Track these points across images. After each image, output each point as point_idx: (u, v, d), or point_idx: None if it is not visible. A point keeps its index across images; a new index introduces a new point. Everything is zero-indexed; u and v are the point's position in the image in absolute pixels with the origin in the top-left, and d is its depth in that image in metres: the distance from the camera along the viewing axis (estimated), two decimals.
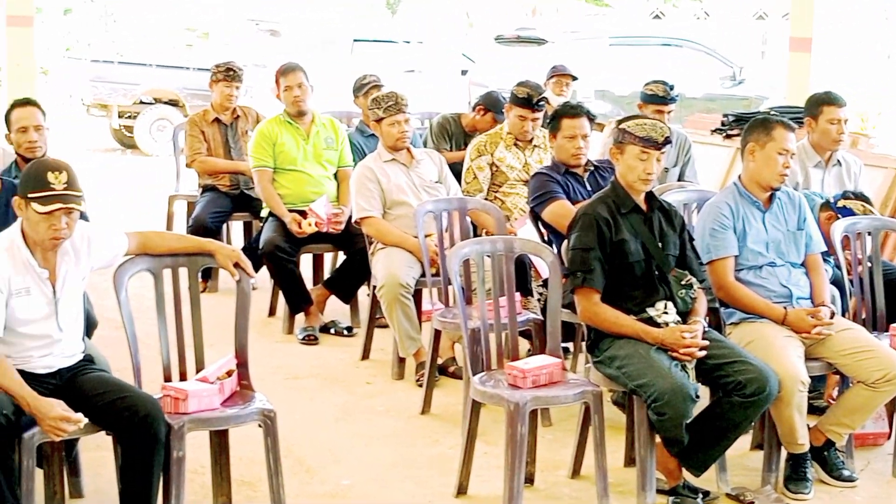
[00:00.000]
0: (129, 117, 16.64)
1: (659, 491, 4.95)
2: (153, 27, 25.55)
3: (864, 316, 5.76)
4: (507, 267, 5.32)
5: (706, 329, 4.98)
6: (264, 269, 7.54)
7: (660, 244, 5.05)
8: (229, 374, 4.73)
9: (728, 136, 9.44)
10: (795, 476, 5.16)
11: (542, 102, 7.40)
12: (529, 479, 5.19)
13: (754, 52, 26.23)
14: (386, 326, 6.90)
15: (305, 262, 7.93)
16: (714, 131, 9.70)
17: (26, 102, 6.11)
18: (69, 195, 4.25)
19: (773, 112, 7.80)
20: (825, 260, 5.61)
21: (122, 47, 17.58)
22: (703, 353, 4.83)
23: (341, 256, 8.03)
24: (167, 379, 4.70)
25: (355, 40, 17.02)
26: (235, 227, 9.25)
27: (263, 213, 7.89)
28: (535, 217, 6.34)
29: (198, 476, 5.09)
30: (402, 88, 7.25)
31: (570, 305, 5.34)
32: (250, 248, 7.71)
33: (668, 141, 5.03)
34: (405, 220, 6.80)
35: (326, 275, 8.15)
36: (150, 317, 4.81)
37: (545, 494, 5.22)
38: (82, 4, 28.21)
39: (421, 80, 16.07)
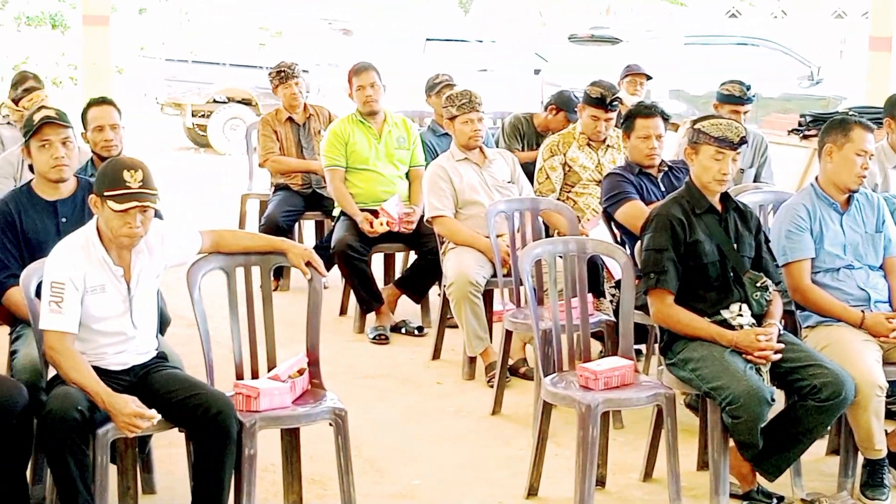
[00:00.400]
0: (203, 116, 16.80)
1: (732, 495, 4.92)
2: (226, 26, 25.78)
3: None
4: (580, 268, 5.31)
5: (781, 332, 4.94)
6: (335, 269, 7.58)
7: (735, 245, 5.02)
8: (301, 372, 4.77)
9: (805, 137, 9.35)
10: (872, 482, 5.09)
11: (615, 102, 7.38)
12: (601, 482, 5.18)
13: (832, 51, 25.90)
14: (457, 327, 6.91)
15: (377, 262, 7.97)
16: (791, 132, 9.61)
17: (102, 101, 6.19)
18: (144, 193, 4.30)
19: (851, 112, 7.70)
20: None
21: (195, 46, 17.75)
22: (779, 356, 4.79)
23: (412, 256, 8.06)
24: (239, 377, 4.75)
25: (427, 39, 17.05)
26: (307, 226, 9.32)
27: (335, 213, 7.94)
28: (608, 218, 6.32)
29: (269, 474, 5.13)
30: (474, 88, 7.25)
31: (642, 307, 5.32)
32: (322, 248, 7.76)
33: (743, 141, 4.99)
34: (477, 219, 6.80)
35: (398, 274, 8.18)
36: (222, 315, 4.86)
37: (616, 497, 5.21)
38: (157, 4, 28.55)
39: (493, 79, 16.06)
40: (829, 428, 5.13)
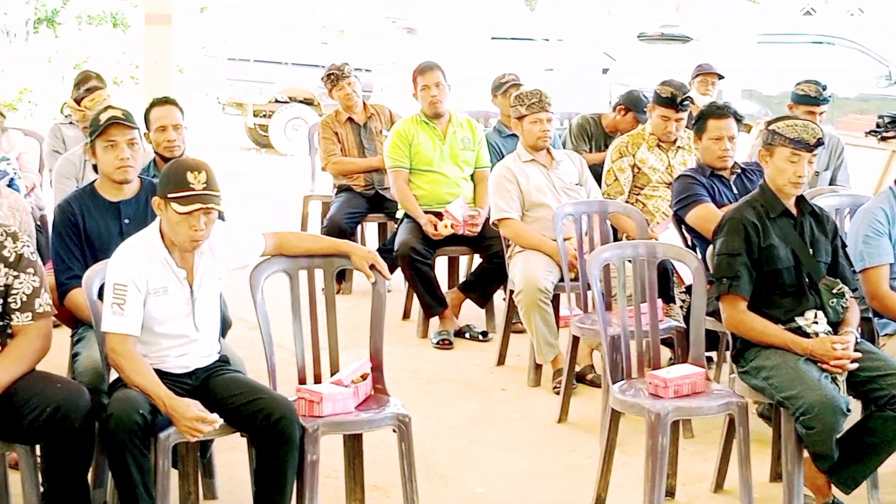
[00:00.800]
0: (264, 116, 16.91)
1: None
2: (288, 25, 25.93)
3: None
4: (650, 272, 5.29)
5: (858, 340, 4.89)
6: (399, 272, 7.60)
7: (810, 250, 4.98)
8: (364, 377, 4.79)
9: (883, 139, 9.24)
10: None
11: (686, 102, 7.34)
12: (670, 493, 5.16)
13: None
14: (522, 332, 6.91)
15: (441, 265, 7.99)
16: (868, 133, 9.51)
17: (165, 101, 6.26)
18: (208, 195, 4.33)
19: None
20: None
21: (257, 45, 17.86)
22: (855, 365, 4.74)
23: (477, 259, 8.06)
24: (301, 381, 4.78)
25: (493, 38, 17.02)
26: (370, 229, 9.35)
27: (398, 215, 7.96)
28: (679, 221, 6.29)
29: (331, 480, 5.16)
30: (542, 87, 7.24)
31: (714, 313, 5.29)
32: (385, 250, 7.79)
33: (819, 143, 4.95)
34: (544, 222, 6.80)
35: (462, 278, 8.19)
36: (284, 318, 4.89)
37: None
38: (218, 2, 28.78)
39: (560, 78, 16.01)
40: None
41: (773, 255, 4.91)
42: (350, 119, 8.81)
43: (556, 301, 6.75)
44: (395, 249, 7.55)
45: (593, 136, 8.71)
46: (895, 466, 5.37)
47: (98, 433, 4.27)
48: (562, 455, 5.77)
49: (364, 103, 8.93)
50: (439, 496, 5.24)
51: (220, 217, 4.61)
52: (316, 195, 9.48)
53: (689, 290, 5.56)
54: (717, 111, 6.33)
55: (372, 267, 4.84)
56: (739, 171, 6.37)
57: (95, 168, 5.21)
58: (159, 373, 4.37)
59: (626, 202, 7.17)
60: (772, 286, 4.93)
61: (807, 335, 4.83)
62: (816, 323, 4.86)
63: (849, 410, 4.66)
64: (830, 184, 7.72)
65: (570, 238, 6.59)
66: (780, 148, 4.96)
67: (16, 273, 4.31)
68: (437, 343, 7.47)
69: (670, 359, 6.13)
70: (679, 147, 7.40)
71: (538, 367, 6.74)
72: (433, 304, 7.57)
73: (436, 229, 7.51)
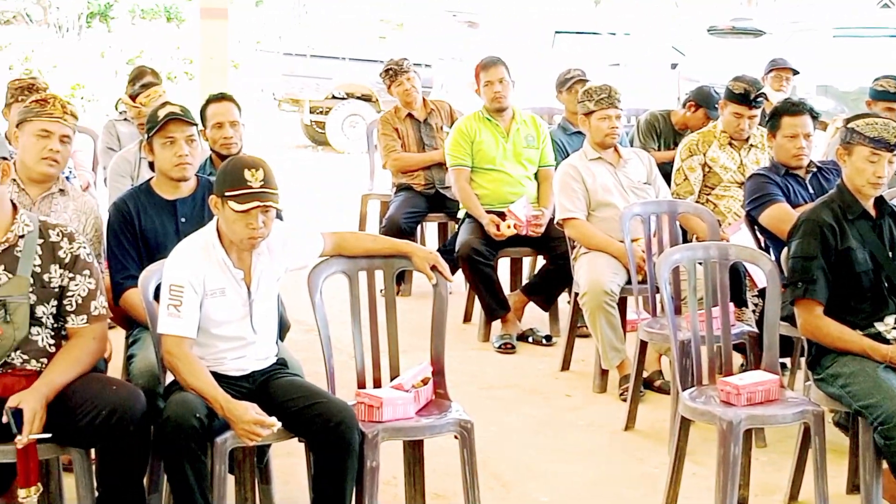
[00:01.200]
0: (321, 113, 16.97)
1: None
2: (345, 19, 26.04)
3: None
4: (721, 275, 5.26)
5: None
6: (459, 274, 7.61)
7: (890, 254, 4.93)
8: (425, 381, 4.80)
9: None
10: None
11: (760, 99, 7.29)
12: (742, 503, 5.14)
13: None
14: (587, 336, 6.89)
15: (503, 267, 7.98)
16: None
17: (222, 97, 6.31)
18: (266, 193, 4.35)
19: None
20: None
21: (313, 40, 17.94)
22: None
23: (541, 261, 8.05)
24: (361, 385, 4.80)
25: (557, 32, 16.98)
26: (430, 229, 9.37)
27: (460, 215, 7.97)
28: (752, 222, 6.26)
29: (390, 487, 5.17)
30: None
31: (788, 318, 5.26)
32: (445, 251, 7.76)
33: None
34: (610, 222, 6.78)
35: (525, 280, 8.19)
36: (342, 320, 4.92)
37: None
38: None
39: (627, 74, 15.96)
40: None
41: (850, 258, 4.87)
42: (410, 115, 8.84)
43: (622, 304, 6.73)
44: (456, 250, 7.55)
45: (662, 133, 8.68)
46: None
47: (154, 437, 4.30)
48: (629, 464, 5.75)
49: (424, 99, 8.96)
50: None
51: (278, 216, 4.64)
52: (375, 194, 9.51)
53: (762, 293, 5.53)
54: (793, 108, 6.29)
55: (433, 268, 4.85)
56: (815, 170, 6.33)
57: (151, 166, 5.26)
58: (216, 375, 4.40)
59: (697, 202, 7.13)
60: (849, 290, 4.88)
61: (886, 341, 4.80)
62: None
63: None
64: None
65: (637, 239, 6.57)
66: (859, 147, 4.91)
67: (71, 275, 4.36)
68: (500, 347, 7.47)
69: (742, 365, 6.09)
70: (752, 145, 7.35)
71: (604, 372, 6.72)
72: (495, 306, 7.57)
73: (498, 230, 7.50)
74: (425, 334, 4.95)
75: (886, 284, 4.89)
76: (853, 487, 5.22)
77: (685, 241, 6.75)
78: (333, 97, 16.85)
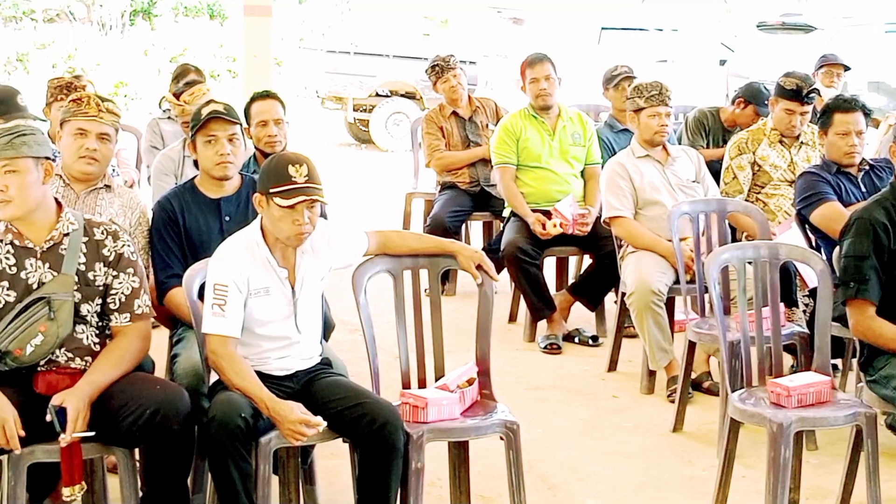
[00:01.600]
0: (365, 111, 17.01)
1: None
2: (389, 16, 26.08)
3: None
4: (772, 275, 5.23)
5: None
6: (505, 273, 7.60)
7: None
8: (470, 382, 4.79)
9: None
10: None
11: (812, 95, 7.25)
12: None
13: None
14: (635, 336, 6.87)
15: (549, 266, 7.98)
16: None
17: (266, 95, 6.33)
18: (311, 188, 4.36)
19: None
20: None
21: (357, 37, 17.98)
22: None
23: (587, 260, 8.04)
24: (406, 386, 4.81)
25: (603, 28, 16.97)
26: (475, 227, 9.38)
27: (505, 213, 7.97)
28: (803, 220, 6.22)
29: (435, 489, 5.18)
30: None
31: (839, 318, 5.22)
32: (490, 250, 7.77)
33: None
34: (658, 221, 6.76)
35: (571, 279, 8.17)
36: (386, 320, 4.92)
37: None
38: None
39: (674, 70, 15.90)
40: None
41: None
42: (455, 113, 8.84)
43: (670, 304, 6.71)
44: (502, 249, 7.55)
45: (711, 130, 8.63)
46: None
47: (198, 437, 4.33)
48: (677, 467, 5.73)
49: (469, 97, 8.96)
50: None
51: (323, 215, 4.65)
52: (419, 192, 9.52)
53: (812, 293, 5.49)
54: (844, 104, 6.25)
55: (479, 267, 4.85)
56: (867, 168, 6.29)
57: (195, 164, 5.29)
58: (260, 375, 4.41)
59: (746, 201, 7.10)
60: None
61: None
62: None
63: None
64: None
65: (686, 238, 6.54)
66: None
67: (115, 273, 4.39)
68: (545, 348, 7.46)
69: (793, 366, 6.06)
70: (802, 143, 7.31)
71: (651, 373, 6.70)
72: (541, 306, 7.56)
73: (544, 228, 7.49)
74: (470, 334, 4.96)
75: None
76: None
77: (734, 240, 6.72)
78: (377, 95, 16.89)
